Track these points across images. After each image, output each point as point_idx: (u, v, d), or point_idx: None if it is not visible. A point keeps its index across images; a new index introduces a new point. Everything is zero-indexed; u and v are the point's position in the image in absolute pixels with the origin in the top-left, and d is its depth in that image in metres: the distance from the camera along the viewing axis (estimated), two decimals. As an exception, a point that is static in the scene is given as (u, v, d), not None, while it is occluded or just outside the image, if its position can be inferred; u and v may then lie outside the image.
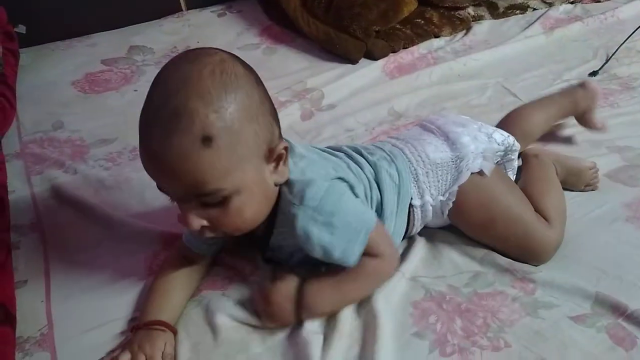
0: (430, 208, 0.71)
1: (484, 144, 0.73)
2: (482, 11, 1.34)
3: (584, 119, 0.90)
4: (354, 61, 1.17)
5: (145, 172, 0.55)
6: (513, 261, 0.70)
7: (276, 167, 0.58)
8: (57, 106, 1.08)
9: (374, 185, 0.68)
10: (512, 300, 0.65)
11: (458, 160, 0.71)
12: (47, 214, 0.81)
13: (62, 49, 1.28)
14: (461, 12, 1.31)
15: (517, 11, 1.34)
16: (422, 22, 1.26)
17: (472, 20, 1.30)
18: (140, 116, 0.53)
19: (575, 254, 0.70)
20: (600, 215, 0.76)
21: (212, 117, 0.50)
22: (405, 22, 1.25)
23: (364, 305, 0.64)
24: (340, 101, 1.06)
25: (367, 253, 0.62)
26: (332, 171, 0.63)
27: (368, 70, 1.14)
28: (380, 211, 0.68)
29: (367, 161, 0.69)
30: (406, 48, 1.21)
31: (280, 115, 0.55)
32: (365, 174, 0.68)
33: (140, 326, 0.61)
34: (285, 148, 0.58)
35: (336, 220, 0.59)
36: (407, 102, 1.05)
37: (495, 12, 1.34)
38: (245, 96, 0.53)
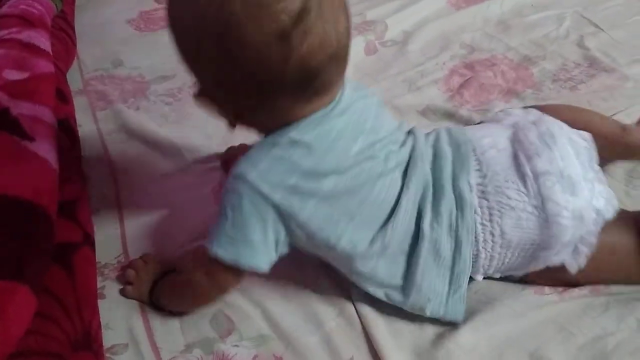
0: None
1: (587, 226, 0.51)
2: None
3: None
4: (417, -9, 1.10)
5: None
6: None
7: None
8: (115, 44, 1.06)
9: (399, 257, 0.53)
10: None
11: (539, 249, 0.51)
12: (115, 147, 0.82)
13: (115, -12, 1.26)
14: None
15: None
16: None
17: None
18: None
19: None
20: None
21: None
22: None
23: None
24: (404, 34, 1.00)
25: (217, 273, 0.52)
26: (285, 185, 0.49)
27: (432, 1, 1.07)
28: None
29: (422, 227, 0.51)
30: (473, -23, 1.12)
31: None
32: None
33: None
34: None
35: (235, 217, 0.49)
36: (480, 35, 0.98)
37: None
38: None
